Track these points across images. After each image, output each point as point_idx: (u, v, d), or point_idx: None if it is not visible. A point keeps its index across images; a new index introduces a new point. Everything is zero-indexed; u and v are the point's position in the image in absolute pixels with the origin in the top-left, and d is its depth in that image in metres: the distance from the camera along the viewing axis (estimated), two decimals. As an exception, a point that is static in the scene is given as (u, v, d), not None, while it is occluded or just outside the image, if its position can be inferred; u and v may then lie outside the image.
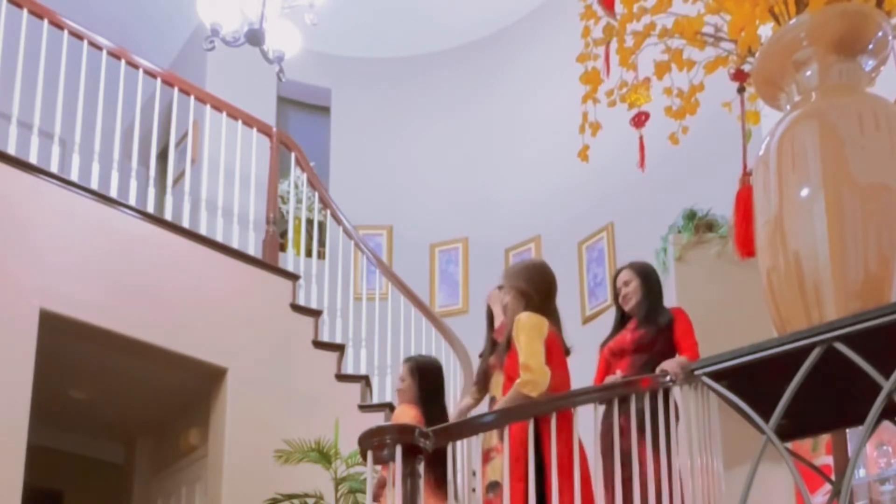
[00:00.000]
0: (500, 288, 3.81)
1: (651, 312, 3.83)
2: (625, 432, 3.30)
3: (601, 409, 3.40)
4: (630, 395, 3.36)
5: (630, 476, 3.11)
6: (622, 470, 3.16)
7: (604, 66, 3.14)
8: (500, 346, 3.62)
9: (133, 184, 5.34)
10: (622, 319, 3.97)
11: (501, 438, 3.12)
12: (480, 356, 3.92)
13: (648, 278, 3.92)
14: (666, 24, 2.89)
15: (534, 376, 3.26)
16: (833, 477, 2.53)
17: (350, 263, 6.44)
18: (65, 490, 7.12)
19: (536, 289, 3.54)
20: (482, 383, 3.77)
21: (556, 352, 3.44)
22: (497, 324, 3.89)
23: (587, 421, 3.25)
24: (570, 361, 3.57)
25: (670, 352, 3.70)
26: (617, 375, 3.72)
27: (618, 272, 4.03)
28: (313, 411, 5.34)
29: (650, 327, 3.79)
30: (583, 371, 3.69)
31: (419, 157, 7.76)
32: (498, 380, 3.58)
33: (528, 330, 3.38)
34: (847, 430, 2.58)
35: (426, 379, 3.99)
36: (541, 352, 3.33)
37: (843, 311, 2.20)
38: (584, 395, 3.23)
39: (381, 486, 3.54)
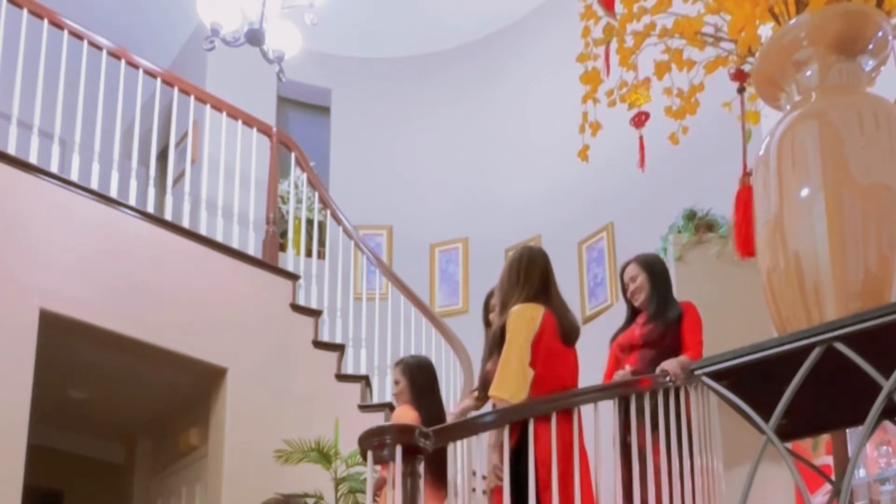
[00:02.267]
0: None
1: (661, 307, 3.82)
2: (631, 429, 3.30)
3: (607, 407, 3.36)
4: (630, 394, 3.36)
5: (642, 473, 3.12)
6: (627, 466, 3.17)
7: (604, 66, 3.13)
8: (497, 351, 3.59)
9: (133, 184, 5.35)
10: (633, 313, 3.97)
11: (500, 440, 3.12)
12: (482, 361, 3.85)
13: (655, 271, 3.91)
14: (666, 24, 2.89)
15: (505, 382, 3.21)
16: (833, 477, 2.53)
17: (350, 263, 6.44)
18: (65, 490, 7.11)
19: (509, 278, 3.46)
20: (482, 390, 3.72)
21: (550, 342, 3.34)
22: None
23: (587, 421, 3.25)
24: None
25: (679, 347, 3.70)
26: (626, 370, 3.72)
27: (624, 266, 4.01)
28: (313, 411, 5.34)
29: (659, 322, 3.79)
30: (582, 371, 3.68)
31: (419, 156, 7.77)
32: None
33: (515, 325, 3.29)
34: (847, 430, 2.58)
35: (419, 377, 3.99)
36: (523, 353, 3.25)
37: (843, 311, 2.20)
38: (585, 395, 3.23)
39: (380, 486, 3.54)
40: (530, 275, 3.46)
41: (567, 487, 3.02)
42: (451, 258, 7.45)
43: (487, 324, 3.84)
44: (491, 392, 3.25)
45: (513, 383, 3.21)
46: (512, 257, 3.62)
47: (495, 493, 3.17)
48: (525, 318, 3.31)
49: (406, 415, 3.85)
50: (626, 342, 3.87)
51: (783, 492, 4.13)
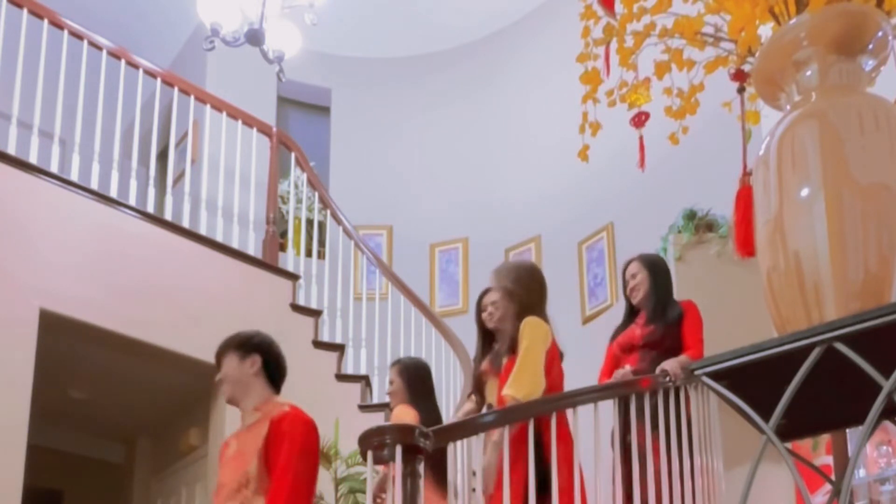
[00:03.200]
0: (487, 291, 3.78)
1: (660, 307, 3.82)
2: (631, 429, 3.30)
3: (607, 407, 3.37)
4: (630, 395, 3.36)
5: (642, 473, 3.12)
6: (627, 465, 3.17)
7: (604, 66, 3.13)
8: (495, 351, 3.59)
9: (133, 184, 5.35)
10: (631, 312, 3.97)
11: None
12: (474, 361, 3.85)
13: (656, 270, 3.92)
14: (666, 24, 2.89)
15: (521, 383, 3.22)
16: (833, 477, 2.53)
17: (350, 263, 6.44)
18: (65, 490, 7.12)
19: (527, 289, 3.48)
20: (478, 391, 3.71)
21: (556, 360, 3.41)
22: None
23: (587, 421, 3.25)
24: (570, 360, 3.56)
25: (680, 347, 3.69)
26: (626, 370, 3.71)
27: (626, 264, 4.02)
28: (313, 411, 5.30)
29: (659, 323, 3.79)
30: (582, 371, 3.68)
31: (419, 156, 7.77)
32: (493, 386, 3.51)
33: (535, 334, 3.32)
34: (847, 430, 2.57)
35: (416, 380, 4.00)
36: (540, 361, 3.28)
37: (843, 311, 2.19)
38: (585, 395, 3.23)
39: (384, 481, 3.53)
40: (543, 292, 3.52)
41: (569, 489, 3.02)
42: (451, 258, 7.45)
43: (481, 324, 3.82)
44: (505, 391, 3.25)
45: (529, 386, 3.22)
46: (525, 267, 3.65)
47: (495, 494, 3.17)
48: (544, 332, 3.37)
49: (406, 414, 3.85)
50: (626, 342, 3.87)
51: (783, 492, 4.13)
